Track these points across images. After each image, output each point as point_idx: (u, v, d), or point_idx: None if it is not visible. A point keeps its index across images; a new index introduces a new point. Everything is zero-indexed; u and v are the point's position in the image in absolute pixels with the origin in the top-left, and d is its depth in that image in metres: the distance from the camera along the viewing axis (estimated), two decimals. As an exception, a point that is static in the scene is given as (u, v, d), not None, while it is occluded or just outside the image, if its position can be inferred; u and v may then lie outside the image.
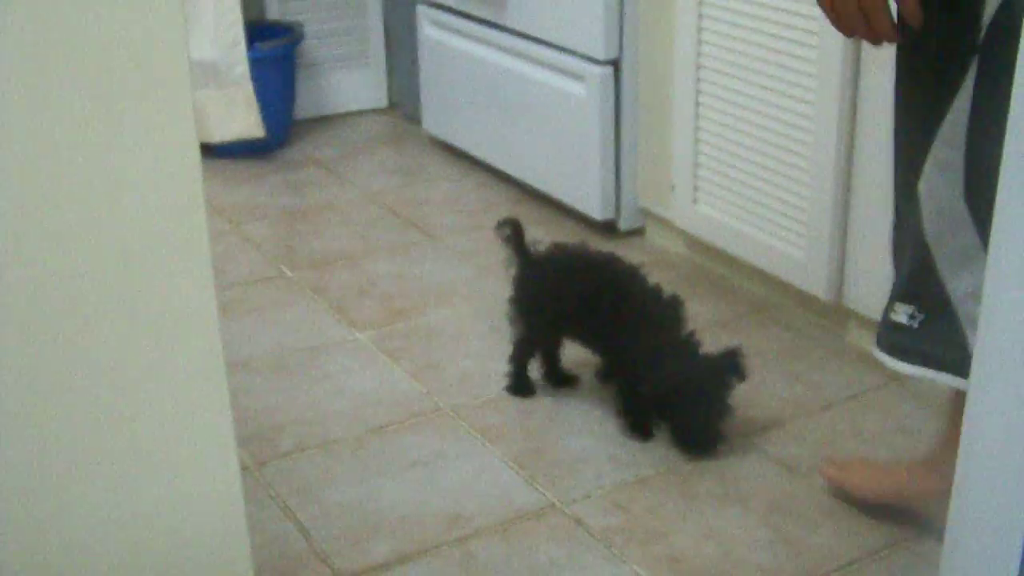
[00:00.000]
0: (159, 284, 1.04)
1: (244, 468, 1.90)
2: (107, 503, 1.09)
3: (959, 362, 1.26)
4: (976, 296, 1.21)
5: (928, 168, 1.22)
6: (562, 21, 2.69)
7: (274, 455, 1.97)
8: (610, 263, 2.06)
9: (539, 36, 2.78)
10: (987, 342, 1.02)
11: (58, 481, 1.06)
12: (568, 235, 2.73)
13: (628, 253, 2.63)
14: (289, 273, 2.63)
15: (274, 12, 3.46)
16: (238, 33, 3.10)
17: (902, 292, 1.31)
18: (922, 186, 1.23)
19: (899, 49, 1.33)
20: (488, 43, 2.97)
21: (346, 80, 3.61)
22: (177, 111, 1.00)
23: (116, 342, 1.04)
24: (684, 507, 1.82)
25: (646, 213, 2.73)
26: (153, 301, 1.04)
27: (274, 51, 3.26)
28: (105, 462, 1.08)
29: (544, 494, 1.86)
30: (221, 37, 3.09)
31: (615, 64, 2.62)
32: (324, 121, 3.58)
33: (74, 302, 1.01)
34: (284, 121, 3.39)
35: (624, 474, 1.90)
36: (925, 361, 1.30)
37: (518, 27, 2.84)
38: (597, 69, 2.62)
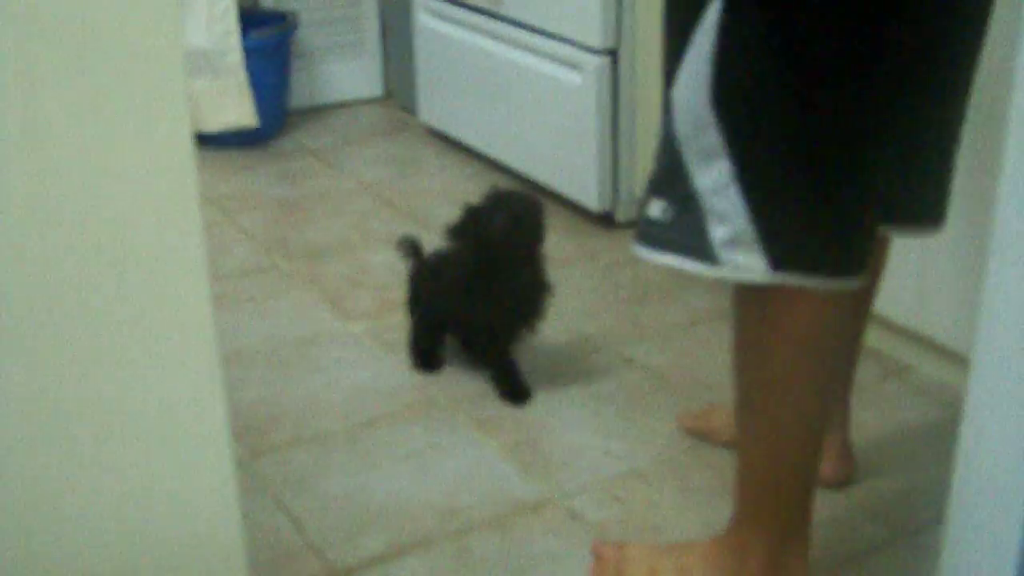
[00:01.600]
0: (152, 275, 1.03)
1: (238, 460, 1.88)
2: (100, 495, 1.08)
3: (702, 249, 1.39)
4: (716, 191, 1.35)
5: (681, 75, 1.35)
6: (559, 10, 2.68)
7: (268, 447, 1.96)
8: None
9: (536, 25, 2.77)
10: (987, 340, 1.02)
11: (50, 473, 1.06)
12: (565, 226, 2.73)
13: (625, 244, 2.63)
14: (283, 264, 2.61)
15: (268, 0, 3.44)
16: (231, 22, 3.08)
17: (656, 188, 1.43)
18: (675, 92, 1.36)
19: None
20: (485, 32, 2.95)
21: (341, 69, 3.60)
22: (171, 100, 0.99)
23: (108, 333, 1.03)
24: (681, 500, 1.81)
25: (643, 204, 2.72)
26: (146, 292, 1.04)
27: (268, 40, 3.25)
28: (97, 454, 1.07)
29: (540, 487, 1.85)
30: (214, 26, 3.07)
31: (613, 54, 2.61)
32: (319, 111, 3.56)
33: (65, 293, 1.00)
34: (278, 111, 3.37)
35: (620, 467, 1.89)
36: (675, 249, 1.42)
37: (515, 16, 2.83)
38: (594, 59, 2.61)
